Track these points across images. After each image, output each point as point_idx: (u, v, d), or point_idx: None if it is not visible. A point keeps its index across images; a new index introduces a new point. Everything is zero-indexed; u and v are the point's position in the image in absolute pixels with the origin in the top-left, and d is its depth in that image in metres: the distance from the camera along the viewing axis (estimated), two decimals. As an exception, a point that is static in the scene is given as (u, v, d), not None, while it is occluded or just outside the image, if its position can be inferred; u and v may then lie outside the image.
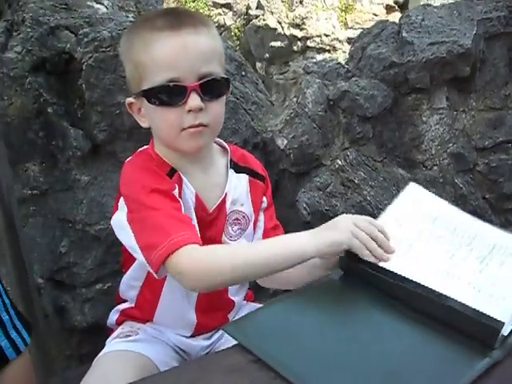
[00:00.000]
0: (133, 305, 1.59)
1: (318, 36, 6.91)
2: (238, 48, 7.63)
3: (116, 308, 1.65)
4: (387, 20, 3.01)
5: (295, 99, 2.60)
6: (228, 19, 7.80)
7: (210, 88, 1.30)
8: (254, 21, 7.07)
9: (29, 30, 2.25)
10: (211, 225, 1.46)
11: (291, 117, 2.50)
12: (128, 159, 1.47)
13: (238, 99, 2.48)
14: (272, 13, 7.06)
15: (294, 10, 7.01)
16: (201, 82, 1.28)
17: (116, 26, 2.26)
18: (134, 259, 1.45)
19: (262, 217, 1.56)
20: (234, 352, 1.01)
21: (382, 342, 1.00)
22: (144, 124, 1.40)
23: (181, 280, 1.26)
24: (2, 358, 1.23)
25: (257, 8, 7.18)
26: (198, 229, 1.39)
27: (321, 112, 2.52)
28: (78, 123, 2.24)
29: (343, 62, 2.96)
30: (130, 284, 1.56)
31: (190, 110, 1.28)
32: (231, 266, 1.22)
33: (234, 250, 1.30)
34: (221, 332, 1.59)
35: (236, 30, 7.62)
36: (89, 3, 2.80)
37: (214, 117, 1.33)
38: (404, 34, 2.65)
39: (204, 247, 1.25)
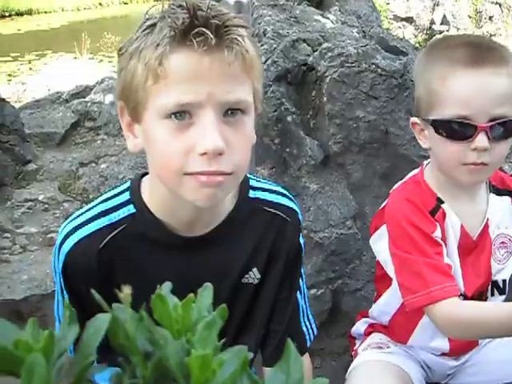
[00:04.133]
0: (384, 324, 1.63)
1: (505, 54, 6.61)
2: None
3: (365, 320, 1.70)
4: None
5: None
6: (408, 33, 7.70)
7: (500, 129, 1.31)
8: (437, 36, 6.93)
9: (272, 41, 2.39)
10: (475, 251, 1.47)
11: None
12: (397, 185, 1.52)
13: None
14: (457, 29, 6.88)
15: (482, 26, 6.78)
16: (492, 123, 1.29)
17: (357, 42, 2.32)
18: (388, 283, 1.51)
19: None
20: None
21: None
22: (424, 145, 1.45)
23: (437, 327, 1.36)
24: (304, 343, 1.35)
25: (441, 23, 7.03)
26: (459, 259, 1.42)
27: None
28: (311, 133, 2.33)
29: None
30: (382, 310, 1.62)
31: (475, 149, 1.29)
32: (485, 328, 1.29)
33: (486, 313, 1.32)
34: (470, 353, 1.59)
35: (417, 45, 7.52)
36: (315, 17, 2.91)
37: (496, 157, 1.34)
38: None
39: (461, 304, 1.33)
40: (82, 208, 1.14)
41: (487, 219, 1.47)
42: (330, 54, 2.24)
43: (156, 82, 0.92)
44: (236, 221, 1.14)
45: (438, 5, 7.25)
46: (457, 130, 1.31)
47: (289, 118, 2.26)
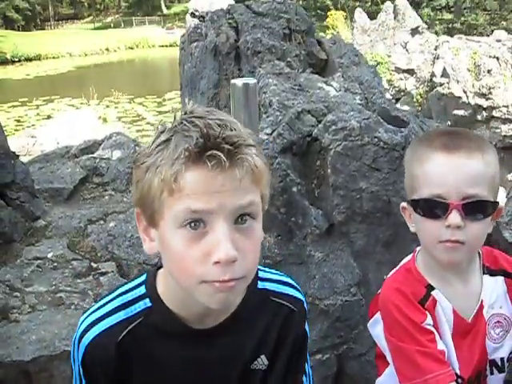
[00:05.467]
0: None
1: (504, 106, 6.76)
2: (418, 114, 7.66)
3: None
4: None
5: (521, 191, 2.57)
6: (409, 84, 7.88)
7: (473, 209, 1.36)
8: (438, 88, 7.09)
9: (277, 113, 2.48)
10: (471, 332, 1.51)
11: (519, 210, 2.48)
12: (391, 272, 1.58)
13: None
14: (457, 81, 7.03)
15: (481, 79, 6.93)
16: (464, 202, 1.36)
17: (359, 114, 2.41)
18: (387, 363, 1.56)
19: None
20: None
21: None
22: (412, 229, 1.51)
23: None
24: None
25: (442, 76, 7.18)
26: (454, 343, 1.46)
27: (552, 207, 2.48)
28: (316, 202, 2.40)
29: None
30: None
31: (448, 226, 1.36)
32: None
33: None
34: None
35: (418, 97, 7.68)
36: (319, 85, 3.02)
37: (472, 236, 1.38)
38: None
39: None
40: (100, 301, 1.19)
41: (481, 301, 1.51)
42: (333, 126, 2.33)
43: (171, 194, 0.99)
44: (245, 311, 1.18)
45: (437, 58, 7.42)
46: (432, 207, 1.38)
47: (294, 189, 2.33)
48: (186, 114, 1.06)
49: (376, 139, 2.27)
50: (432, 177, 1.39)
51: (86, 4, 63.49)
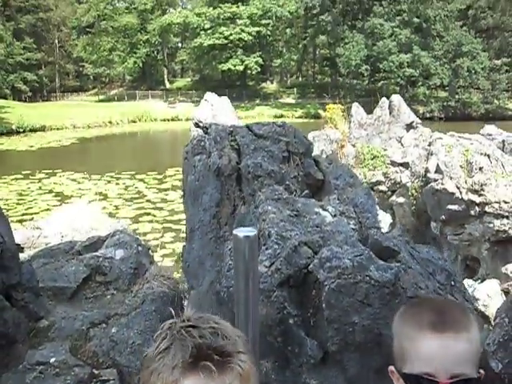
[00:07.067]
0: None
1: (496, 202, 6.99)
2: (413, 207, 7.89)
3: None
4: None
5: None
6: (404, 177, 8.15)
7: None
8: (432, 184, 7.35)
9: (276, 246, 2.65)
10: None
11: (505, 339, 2.62)
12: None
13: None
14: (451, 178, 7.30)
15: (473, 176, 7.19)
16: (452, 380, 1.52)
17: (353, 250, 2.58)
18: None
19: None
20: None
21: None
22: None
23: None
24: None
25: (435, 172, 7.46)
26: None
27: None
28: (311, 332, 2.54)
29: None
30: None
31: None
32: None
33: None
34: None
35: (413, 191, 7.94)
36: (316, 209, 3.21)
37: None
38: None
39: None
40: None
41: None
42: (328, 263, 2.50)
43: None
44: None
45: (431, 154, 7.72)
46: (422, 383, 1.54)
47: (291, 321, 2.48)
48: (183, 321, 1.24)
49: (368, 277, 2.43)
50: (421, 356, 1.54)
51: (91, 77, 65.22)
